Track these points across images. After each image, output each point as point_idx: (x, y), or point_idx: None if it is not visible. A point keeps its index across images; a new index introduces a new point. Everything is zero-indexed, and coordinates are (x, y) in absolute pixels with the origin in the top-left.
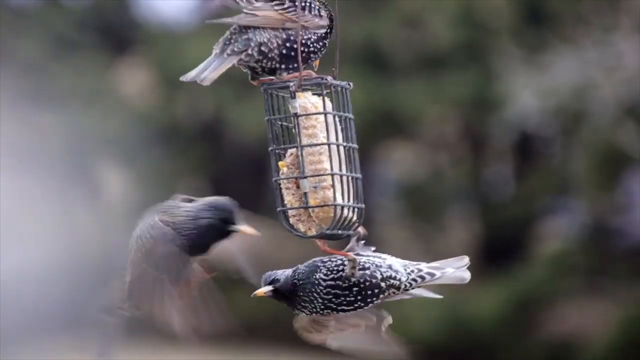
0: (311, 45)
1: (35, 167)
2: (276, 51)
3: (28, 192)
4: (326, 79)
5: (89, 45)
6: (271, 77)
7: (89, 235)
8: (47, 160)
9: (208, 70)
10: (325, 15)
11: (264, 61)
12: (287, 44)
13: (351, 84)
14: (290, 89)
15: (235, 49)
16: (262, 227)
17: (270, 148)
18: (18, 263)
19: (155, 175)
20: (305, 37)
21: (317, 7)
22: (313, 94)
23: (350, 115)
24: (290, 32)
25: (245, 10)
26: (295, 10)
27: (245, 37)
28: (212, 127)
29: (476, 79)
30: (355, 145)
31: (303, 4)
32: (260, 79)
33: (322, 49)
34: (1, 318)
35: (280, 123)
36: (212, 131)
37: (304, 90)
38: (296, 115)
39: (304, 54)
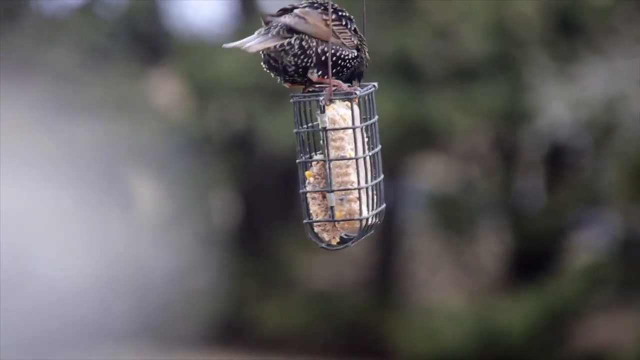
0: (347, 62)
1: (66, 178)
2: (314, 50)
3: (59, 202)
4: (355, 93)
5: (120, 55)
6: (301, 84)
7: (120, 245)
8: (77, 171)
9: (254, 42)
10: (358, 36)
11: (302, 57)
12: (326, 51)
13: (376, 84)
14: (320, 104)
15: (281, 33)
16: None
17: (297, 160)
18: (50, 273)
19: (185, 185)
20: (344, 52)
21: (354, 26)
22: (340, 99)
23: (375, 118)
24: (331, 44)
25: (296, 11)
26: (340, 24)
27: (290, 30)
28: (243, 138)
29: (507, 90)
30: (379, 147)
31: (345, 19)
32: (292, 83)
33: (352, 67)
34: (34, 328)
35: (305, 127)
36: (243, 142)
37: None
38: (325, 130)
39: (338, 67)
